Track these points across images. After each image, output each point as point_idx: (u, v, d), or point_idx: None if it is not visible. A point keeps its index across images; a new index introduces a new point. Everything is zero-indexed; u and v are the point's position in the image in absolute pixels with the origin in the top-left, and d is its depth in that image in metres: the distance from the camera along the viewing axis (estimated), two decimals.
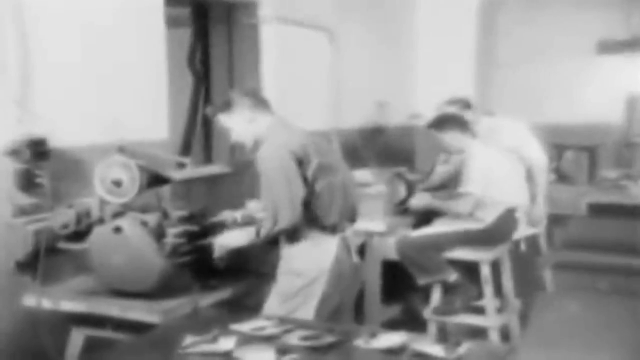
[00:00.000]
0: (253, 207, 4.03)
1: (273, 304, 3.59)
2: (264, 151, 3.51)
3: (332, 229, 3.60)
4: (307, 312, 3.51)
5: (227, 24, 5.90)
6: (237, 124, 3.61)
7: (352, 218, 3.77)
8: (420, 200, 5.29)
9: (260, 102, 3.69)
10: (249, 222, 3.83)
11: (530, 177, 5.45)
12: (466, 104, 5.47)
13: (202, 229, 3.72)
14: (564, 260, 6.71)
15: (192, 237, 3.63)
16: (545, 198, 5.67)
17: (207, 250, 3.67)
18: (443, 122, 5.10)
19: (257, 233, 3.57)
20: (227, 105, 3.62)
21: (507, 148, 5.23)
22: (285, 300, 3.55)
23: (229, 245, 3.64)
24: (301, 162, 3.49)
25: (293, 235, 3.57)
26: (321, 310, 3.53)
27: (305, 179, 3.50)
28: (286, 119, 3.72)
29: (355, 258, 3.74)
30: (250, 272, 3.84)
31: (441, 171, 5.68)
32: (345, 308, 3.74)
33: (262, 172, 3.51)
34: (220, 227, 3.81)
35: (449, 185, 5.36)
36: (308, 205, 3.52)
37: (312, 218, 3.55)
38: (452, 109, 5.36)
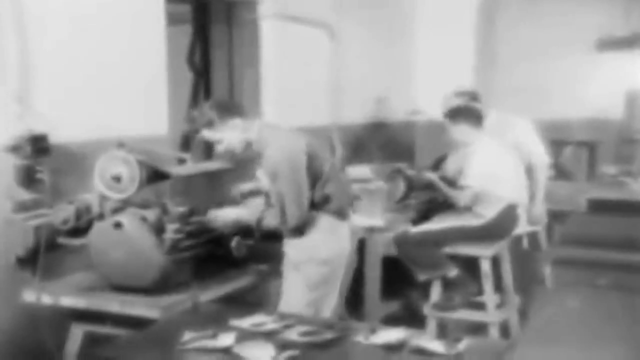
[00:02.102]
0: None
1: (296, 294, 3.70)
2: (275, 154, 3.59)
3: (343, 215, 3.78)
4: (334, 297, 3.74)
5: (227, 21, 5.90)
6: (228, 135, 3.65)
7: (352, 205, 4.02)
8: (429, 175, 5.31)
9: (241, 110, 3.78)
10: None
11: (530, 174, 5.44)
12: (474, 96, 5.46)
13: (202, 225, 3.74)
14: (564, 256, 6.71)
15: (192, 233, 3.64)
16: (545, 195, 5.67)
17: (219, 242, 3.76)
18: (458, 113, 5.09)
19: (258, 221, 3.72)
20: (210, 123, 3.63)
21: (510, 143, 5.23)
22: (314, 289, 3.69)
23: (230, 217, 3.77)
24: (313, 159, 3.64)
25: (309, 225, 3.70)
26: (341, 294, 3.79)
27: (317, 173, 3.66)
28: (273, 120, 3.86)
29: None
30: (252, 267, 3.86)
31: (452, 161, 5.64)
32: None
33: (273, 173, 3.61)
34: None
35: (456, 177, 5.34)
36: (325, 196, 3.70)
37: (325, 206, 3.71)
38: (460, 101, 5.35)
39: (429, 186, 5.32)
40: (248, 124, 3.67)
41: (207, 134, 3.68)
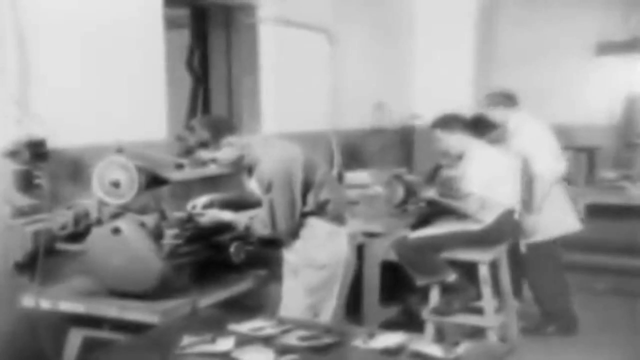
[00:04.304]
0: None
1: (295, 298, 3.76)
2: (270, 165, 3.62)
3: (340, 220, 3.81)
4: (333, 301, 3.77)
5: (225, 25, 5.90)
6: (222, 154, 3.66)
7: (348, 210, 4.05)
8: (428, 193, 5.30)
9: (234, 126, 3.83)
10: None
11: (533, 185, 5.38)
12: (509, 96, 5.50)
13: (200, 230, 3.74)
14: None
15: (190, 238, 3.64)
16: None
17: (218, 247, 3.76)
18: (447, 122, 5.09)
19: (246, 227, 3.76)
20: (203, 143, 3.63)
21: (515, 149, 5.23)
22: (313, 293, 3.75)
23: (218, 217, 3.80)
24: (308, 168, 3.69)
25: (303, 230, 3.76)
26: (340, 298, 3.80)
27: (312, 181, 3.70)
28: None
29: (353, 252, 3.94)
30: (250, 272, 3.86)
31: (449, 170, 5.62)
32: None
33: (268, 184, 3.62)
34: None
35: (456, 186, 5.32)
36: (322, 202, 3.74)
37: (322, 211, 3.75)
38: (497, 100, 5.42)
39: (433, 204, 5.29)
40: (241, 140, 3.70)
41: (202, 154, 3.68)
